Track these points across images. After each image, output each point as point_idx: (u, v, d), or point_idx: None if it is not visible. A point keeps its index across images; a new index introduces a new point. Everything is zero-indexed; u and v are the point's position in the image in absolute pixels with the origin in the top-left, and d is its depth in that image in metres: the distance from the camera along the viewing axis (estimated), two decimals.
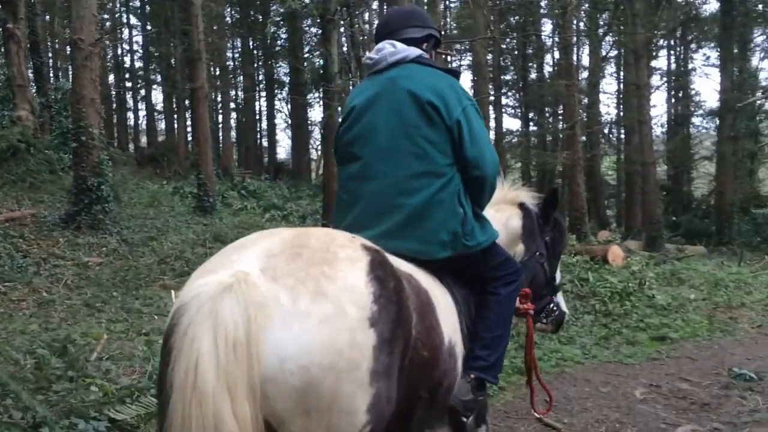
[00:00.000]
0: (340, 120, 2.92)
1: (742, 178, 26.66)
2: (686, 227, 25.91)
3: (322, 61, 17.82)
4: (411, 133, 2.63)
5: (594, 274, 11.48)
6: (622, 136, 33.26)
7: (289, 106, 33.37)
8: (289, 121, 34.75)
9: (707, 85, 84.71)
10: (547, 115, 31.83)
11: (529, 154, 33.34)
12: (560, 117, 29.16)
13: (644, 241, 18.20)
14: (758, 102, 26.17)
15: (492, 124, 29.68)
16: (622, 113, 31.67)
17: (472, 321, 2.72)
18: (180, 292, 1.86)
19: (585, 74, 28.87)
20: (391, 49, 2.80)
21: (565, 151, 17.80)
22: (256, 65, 34.76)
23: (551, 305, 3.66)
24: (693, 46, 31.57)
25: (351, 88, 15.74)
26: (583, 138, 21.43)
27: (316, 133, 34.54)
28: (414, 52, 2.80)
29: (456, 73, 2.87)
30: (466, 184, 2.73)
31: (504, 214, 3.42)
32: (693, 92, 33.06)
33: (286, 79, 33.17)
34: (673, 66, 33.16)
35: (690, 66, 32.52)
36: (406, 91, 2.67)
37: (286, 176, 28.16)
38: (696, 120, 33.31)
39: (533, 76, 33.10)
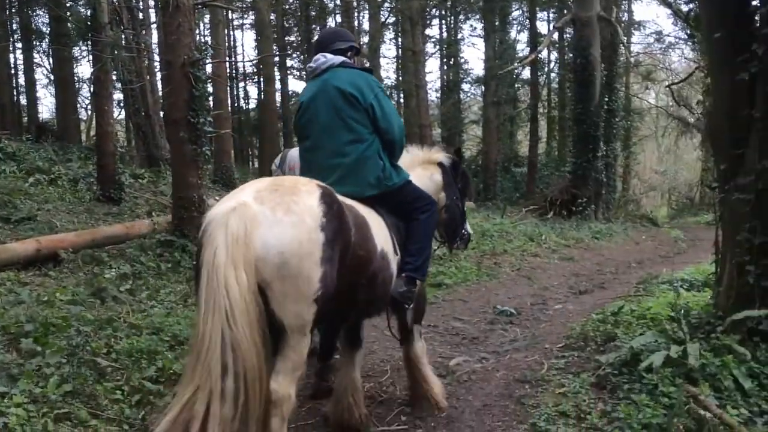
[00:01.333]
0: (295, 112, 4.20)
1: (504, 140, 29.51)
2: None
3: (89, 11, 16.29)
4: (341, 115, 3.86)
5: None
6: (401, 100, 35.05)
7: (51, 59, 30.12)
8: (52, 77, 31.41)
9: (474, 54, 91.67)
10: None
11: None
12: None
13: None
14: (516, 71, 29.04)
15: (277, 86, 29.52)
16: (400, 78, 33.30)
17: (402, 239, 3.97)
18: (207, 213, 3.05)
19: (366, 39, 29.73)
20: (323, 59, 4.06)
21: None
22: (9, 12, 30.79)
23: (463, 231, 5.05)
24: (462, 17, 33.79)
25: (123, 40, 14.72)
26: None
27: (86, 91, 31.75)
28: (338, 59, 4.05)
29: (369, 70, 4.20)
30: (383, 145, 3.98)
31: (428, 171, 4.66)
32: (462, 60, 35.64)
33: (47, 30, 29.83)
34: (445, 35, 35.32)
35: (459, 35, 34.95)
36: (334, 88, 3.89)
37: (51, 137, 25.59)
38: (465, 86, 36.02)
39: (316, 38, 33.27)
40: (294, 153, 5.67)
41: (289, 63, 35.00)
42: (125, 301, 6.55)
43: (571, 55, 27.98)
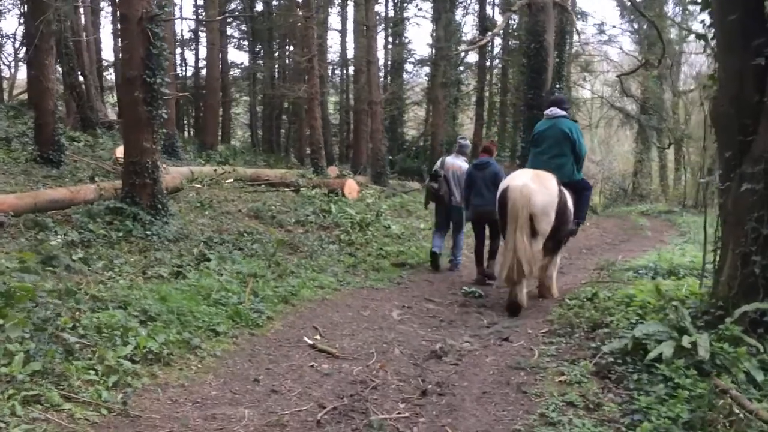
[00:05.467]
0: (534, 133, 7.81)
1: (448, 123, 29.42)
2: (401, 165, 27.96)
3: None
4: (560, 142, 7.37)
5: (335, 206, 11.73)
6: (345, 76, 34.42)
7: None
8: None
9: (416, 35, 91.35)
10: (275, 47, 31.33)
11: (255, 88, 32.84)
12: (290, 50, 29.04)
13: (370, 177, 19.16)
14: (462, 54, 28.94)
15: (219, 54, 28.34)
16: (346, 53, 32.73)
17: (575, 204, 7.28)
18: (503, 183, 7.02)
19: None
20: (555, 110, 7.53)
21: (303, 84, 17.77)
22: None
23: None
24: None
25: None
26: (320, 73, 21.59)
27: (9, 48, 29.75)
28: (562, 113, 7.53)
29: (575, 121, 7.92)
30: (575, 159, 7.45)
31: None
32: (407, 40, 35.25)
33: None
34: (392, 12, 34.83)
35: (405, 14, 34.46)
36: (558, 127, 7.40)
37: None
38: (408, 67, 35.67)
39: (260, 8, 32.25)
40: (449, 159, 9.35)
41: (229, 32, 33.74)
42: (80, 270, 6.00)
43: (514, 41, 28.23)
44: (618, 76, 19.44)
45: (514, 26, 27.63)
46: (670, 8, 25.66)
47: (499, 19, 27.30)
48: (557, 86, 18.84)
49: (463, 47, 24.02)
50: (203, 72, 33.01)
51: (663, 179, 33.16)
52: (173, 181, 11.19)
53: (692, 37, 27.78)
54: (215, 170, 14.29)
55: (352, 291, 7.30)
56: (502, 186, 6.97)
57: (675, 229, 17.95)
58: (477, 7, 28.02)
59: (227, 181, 13.88)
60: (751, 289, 4.54)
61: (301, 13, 17.52)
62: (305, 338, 5.35)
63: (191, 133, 34.26)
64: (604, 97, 26.87)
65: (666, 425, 3.37)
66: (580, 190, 7.51)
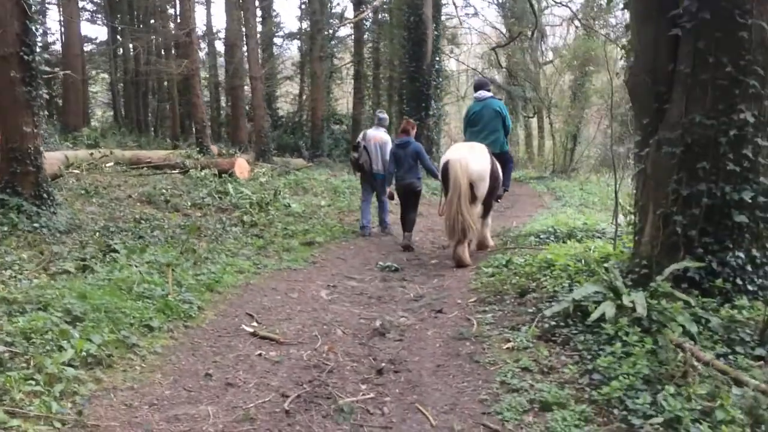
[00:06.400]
0: (468, 113, 9.12)
1: (325, 96, 29.14)
2: (278, 142, 27.46)
3: None
4: (493, 119, 8.70)
5: (231, 187, 11.33)
6: (212, 51, 33.08)
7: None
8: None
9: (284, 8, 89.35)
10: (138, 22, 29.48)
11: (116, 63, 30.79)
12: (154, 24, 27.43)
13: (254, 155, 18.66)
14: (333, 27, 28.77)
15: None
16: (212, 26, 31.40)
17: (503, 174, 8.64)
18: (444, 157, 8.18)
19: None
20: (483, 93, 8.98)
21: (180, 60, 16.85)
22: None
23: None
24: None
25: None
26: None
27: None
28: (489, 95, 9.08)
29: (498, 100, 9.53)
30: (504, 133, 8.84)
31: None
32: (275, 14, 34.42)
33: None
34: None
35: None
36: (490, 107, 8.78)
37: None
38: (277, 41, 34.90)
39: None
40: (370, 131, 10.31)
41: (81, 4, 31.29)
42: None
43: (384, 14, 28.35)
44: (492, 48, 20.12)
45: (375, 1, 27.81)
46: None
47: None
48: (436, 58, 19.21)
49: (347, 20, 23.76)
50: (54, 47, 30.67)
51: (529, 146, 34.90)
52: (50, 168, 10.30)
53: (548, 10, 29.28)
54: (92, 154, 13.32)
55: (272, 273, 7.10)
56: (443, 159, 8.07)
57: (550, 194, 19.00)
58: None
59: (107, 165, 12.99)
60: (672, 247, 4.88)
61: None
62: (243, 326, 5.15)
63: (50, 114, 31.69)
64: (475, 69, 27.72)
65: (631, 382, 3.56)
66: (505, 162, 8.81)
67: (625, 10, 5.77)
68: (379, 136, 10.06)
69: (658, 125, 5.05)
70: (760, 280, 4.71)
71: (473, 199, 7.69)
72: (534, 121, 33.16)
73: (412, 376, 4.30)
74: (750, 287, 4.68)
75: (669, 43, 4.96)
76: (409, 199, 9.52)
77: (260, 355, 4.57)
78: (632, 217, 5.64)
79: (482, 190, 7.78)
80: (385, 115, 10.61)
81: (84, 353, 3.91)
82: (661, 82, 5.02)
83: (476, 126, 8.73)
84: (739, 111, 4.57)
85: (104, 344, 4.12)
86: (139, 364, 4.14)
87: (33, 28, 7.70)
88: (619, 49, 24.86)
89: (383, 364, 4.48)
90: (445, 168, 7.81)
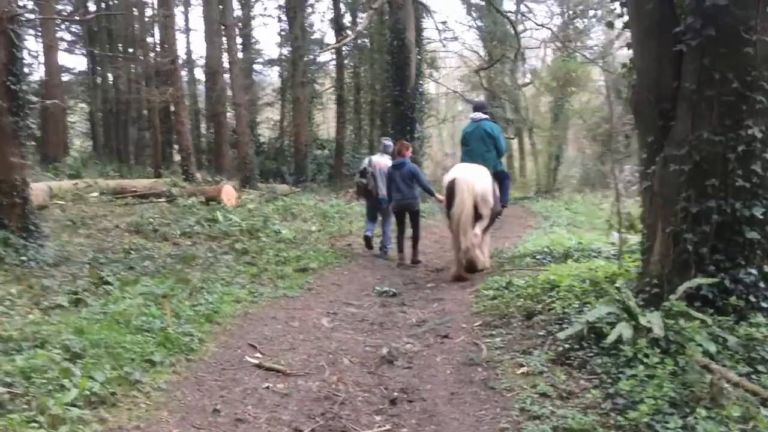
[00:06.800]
0: (463, 135, 9.32)
1: (308, 122, 29.07)
2: (260, 168, 27.30)
3: None
4: (485, 140, 8.86)
5: (220, 214, 11.16)
6: (192, 79, 32.97)
7: None
8: None
9: (265, 36, 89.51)
10: (119, 51, 29.24)
11: (96, 93, 30.50)
12: (131, 52, 27.26)
13: (239, 181, 18.46)
14: (314, 53, 28.86)
15: (42, 59, 25.70)
16: (191, 54, 31.31)
17: (500, 191, 8.94)
18: (447, 175, 8.76)
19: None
20: (479, 114, 9.15)
21: (165, 88, 16.69)
22: None
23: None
24: None
25: None
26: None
27: None
28: (484, 116, 9.15)
29: (495, 121, 11.00)
30: (497, 153, 9.04)
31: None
32: (254, 41, 34.42)
33: None
34: (237, 12, 33.76)
35: (252, 13, 33.60)
36: (482, 128, 8.91)
37: None
38: (257, 67, 34.88)
39: (93, 7, 29.95)
40: (375, 158, 10.78)
41: (59, 34, 31.01)
42: None
43: (363, 39, 28.47)
44: (476, 71, 20.25)
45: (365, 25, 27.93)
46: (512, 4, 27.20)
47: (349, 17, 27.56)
48: (419, 82, 19.28)
49: (330, 45, 23.78)
50: (30, 77, 30.27)
51: (511, 168, 35.06)
52: (35, 199, 10.06)
53: (527, 33, 29.65)
54: (75, 184, 13.10)
55: (270, 302, 6.93)
56: (448, 178, 8.48)
57: (537, 214, 19.02)
58: (328, 5, 27.91)
59: (92, 195, 12.76)
60: (683, 265, 4.81)
61: (165, 12, 16.38)
62: (247, 357, 4.98)
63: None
64: (456, 91, 27.85)
65: (658, 406, 3.46)
66: (502, 179, 9.13)
67: (605, 30, 5.81)
68: (383, 163, 10.43)
69: (663, 142, 5.02)
70: None
71: (478, 217, 8.15)
72: (515, 142, 33.40)
73: (426, 405, 4.17)
74: (764, 304, 4.63)
75: (672, 61, 4.95)
76: (405, 219, 9.93)
77: (268, 387, 4.41)
78: (627, 236, 5.58)
79: (485, 210, 8.21)
80: (390, 143, 10.93)
81: (87, 392, 3.73)
82: (666, 99, 5.00)
83: (468, 146, 9.01)
84: (747, 127, 4.55)
85: (107, 381, 3.94)
86: (143, 401, 3.96)
87: (20, 57, 7.54)
88: (599, 69, 25.25)
89: (395, 394, 4.35)
90: (451, 186, 8.20)
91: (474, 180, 8.15)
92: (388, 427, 3.85)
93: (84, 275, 7.02)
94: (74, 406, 3.58)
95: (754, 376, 3.85)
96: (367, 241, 10.54)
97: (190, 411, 3.94)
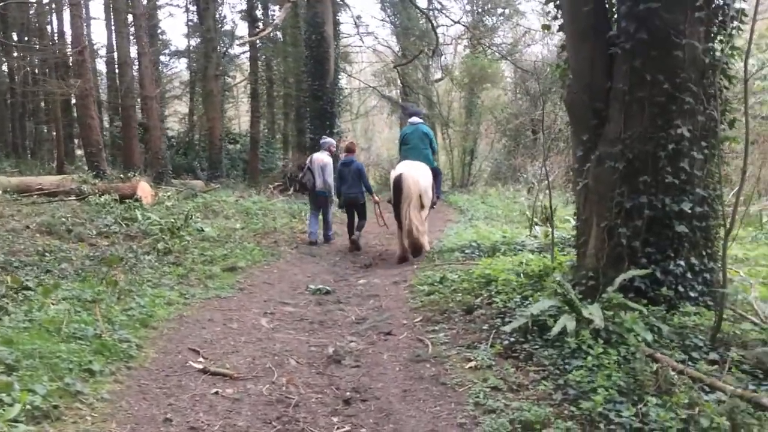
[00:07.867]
0: (401, 136, 10.90)
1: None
2: (171, 164, 26.39)
3: None
4: (423, 140, 10.33)
5: (138, 213, 10.73)
6: (94, 69, 31.40)
7: None
8: None
9: (172, 26, 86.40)
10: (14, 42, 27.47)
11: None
12: (30, 42, 25.70)
13: (151, 178, 17.79)
14: (226, 46, 28.22)
15: None
16: (92, 43, 29.78)
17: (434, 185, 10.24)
18: (394, 171, 9.88)
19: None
20: (415, 119, 10.77)
21: (74, 79, 15.79)
22: None
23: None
24: None
25: None
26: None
27: None
28: (420, 121, 10.83)
29: (425, 124, 11.24)
30: (432, 152, 10.55)
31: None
32: (160, 31, 33.19)
33: None
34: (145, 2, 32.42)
35: (158, 3, 32.42)
36: (420, 130, 10.47)
37: None
38: (163, 59, 33.71)
39: None
40: (315, 155, 11.44)
41: None
42: None
43: (275, 32, 28.02)
44: (395, 66, 20.37)
45: (275, 19, 27.50)
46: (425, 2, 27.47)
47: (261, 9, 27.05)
48: (338, 76, 19.20)
49: (244, 38, 23.20)
50: None
51: None
52: None
53: (441, 29, 30.13)
54: None
55: (203, 303, 6.72)
56: (395, 174, 9.56)
57: (454, 208, 19.37)
58: None
59: None
60: (618, 258, 5.06)
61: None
62: (190, 362, 4.82)
63: None
64: (372, 87, 27.92)
65: (609, 395, 3.61)
66: (436, 175, 10.36)
67: (512, 27, 5.99)
68: (320, 158, 11.31)
69: (597, 141, 5.24)
70: (700, 287, 4.96)
71: (422, 207, 9.40)
72: None
73: (381, 403, 4.18)
74: (691, 294, 4.93)
75: (605, 62, 5.17)
76: (354, 210, 11.03)
77: (217, 393, 4.28)
78: (546, 228, 5.79)
79: (426, 200, 9.50)
80: (328, 139, 12.02)
81: (29, 406, 3.51)
82: (599, 99, 5.22)
83: (408, 145, 10.35)
84: (676, 126, 4.81)
85: (48, 394, 3.71)
86: (89, 413, 3.76)
87: None
88: (510, 65, 25.93)
89: (348, 394, 4.34)
90: (398, 180, 9.35)
91: (418, 175, 9.44)
92: (347, 428, 3.83)
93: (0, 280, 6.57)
94: (17, 422, 3.36)
95: (689, 362, 4.09)
96: (311, 238, 11.25)
97: (140, 422, 3.77)
